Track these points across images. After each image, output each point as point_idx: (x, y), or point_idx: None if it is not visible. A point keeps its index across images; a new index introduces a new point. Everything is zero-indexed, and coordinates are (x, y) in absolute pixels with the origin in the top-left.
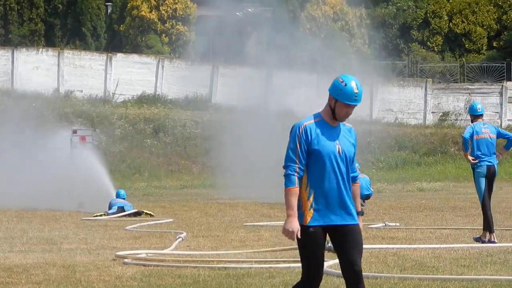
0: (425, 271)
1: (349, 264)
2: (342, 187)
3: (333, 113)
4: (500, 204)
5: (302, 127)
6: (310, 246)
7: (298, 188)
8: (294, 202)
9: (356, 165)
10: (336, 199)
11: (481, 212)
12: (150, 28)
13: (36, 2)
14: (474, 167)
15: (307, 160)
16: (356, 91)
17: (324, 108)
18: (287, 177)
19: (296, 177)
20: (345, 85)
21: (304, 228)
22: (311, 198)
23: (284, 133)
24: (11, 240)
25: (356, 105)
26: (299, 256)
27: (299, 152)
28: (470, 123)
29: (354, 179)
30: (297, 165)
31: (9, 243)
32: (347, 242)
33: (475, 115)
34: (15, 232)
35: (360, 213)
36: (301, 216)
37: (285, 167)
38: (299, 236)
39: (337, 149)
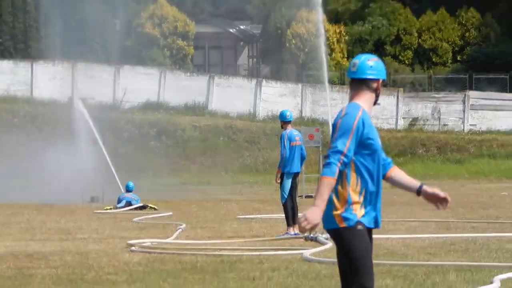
0: (396, 258)
1: None
2: (381, 184)
3: None
4: (462, 200)
5: (359, 115)
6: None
7: (335, 180)
8: (327, 192)
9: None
10: (379, 197)
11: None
12: (154, 43)
13: (52, 19)
14: (285, 171)
15: (354, 153)
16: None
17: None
18: (328, 165)
19: (338, 168)
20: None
21: (352, 226)
22: (362, 197)
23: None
24: (31, 230)
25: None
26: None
27: (350, 144)
28: (281, 128)
29: (390, 164)
30: (342, 156)
31: (30, 233)
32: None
33: (285, 121)
34: (35, 223)
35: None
36: (350, 212)
37: (329, 155)
38: (314, 228)
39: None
